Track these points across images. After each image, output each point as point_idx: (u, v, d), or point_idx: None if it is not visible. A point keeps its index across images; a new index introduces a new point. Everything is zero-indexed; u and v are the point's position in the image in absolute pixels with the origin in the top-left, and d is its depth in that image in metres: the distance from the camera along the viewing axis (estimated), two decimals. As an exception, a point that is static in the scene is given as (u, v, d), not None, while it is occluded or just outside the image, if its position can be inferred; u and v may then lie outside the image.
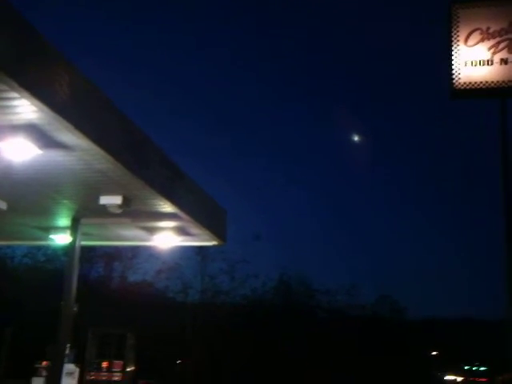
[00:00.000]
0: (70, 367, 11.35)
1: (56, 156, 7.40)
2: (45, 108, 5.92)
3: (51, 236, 11.75)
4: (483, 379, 55.81)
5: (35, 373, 14.53)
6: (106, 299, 23.56)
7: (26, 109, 6.04)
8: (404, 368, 34.57)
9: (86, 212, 10.25)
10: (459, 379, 56.85)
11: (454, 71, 11.92)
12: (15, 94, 5.65)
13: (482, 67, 11.88)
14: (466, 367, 59.26)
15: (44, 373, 14.42)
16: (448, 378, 55.01)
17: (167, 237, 11.58)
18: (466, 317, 56.49)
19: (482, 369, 58.73)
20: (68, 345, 10.80)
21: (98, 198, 9.07)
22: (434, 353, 47.75)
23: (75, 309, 10.77)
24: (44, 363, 14.75)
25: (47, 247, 23.19)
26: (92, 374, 16.80)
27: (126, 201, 9.08)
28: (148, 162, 8.58)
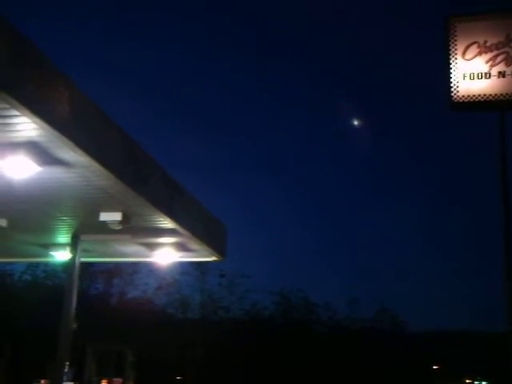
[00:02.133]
0: (69, 385, 11.24)
1: (56, 173, 7.38)
2: (45, 125, 5.91)
3: (51, 253, 11.71)
4: None
5: (34, 391, 14.41)
6: (105, 316, 23.41)
7: (26, 126, 6.02)
8: (405, 382, 34.36)
9: (86, 228, 10.21)
10: (460, 393, 56.54)
11: (452, 84, 11.96)
12: (15, 112, 5.64)
13: (480, 80, 11.92)
14: (467, 381, 58.95)
15: (43, 391, 14.30)
16: (449, 391, 54.70)
17: (167, 253, 11.54)
18: (467, 330, 56.25)
19: (483, 383, 58.43)
20: (67, 363, 10.71)
21: (98, 215, 9.04)
22: (435, 367, 47.46)
23: (74, 326, 10.69)
24: (42, 382, 14.62)
25: (46, 263, 23.08)
26: (91, 391, 16.65)
27: (126, 217, 9.06)
28: (148, 178, 8.56)
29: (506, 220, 11.11)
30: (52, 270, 24.99)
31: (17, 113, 5.65)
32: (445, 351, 50.12)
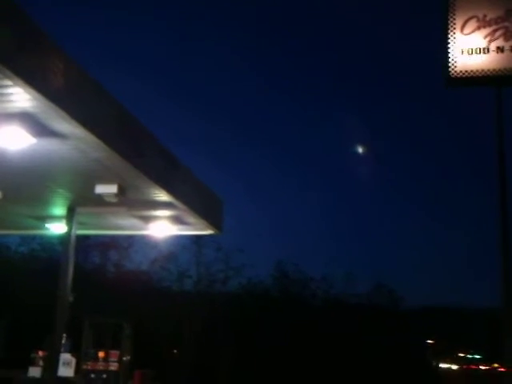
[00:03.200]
0: (66, 357, 11.35)
1: (51, 145, 7.35)
2: (39, 96, 5.87)
3: (47, 225, 11.72)
4: (475, 367, 56.40)
5: (32, 362, 14.53)
6: (102, 288, 23.53)
7: (20, 97, 5.98)
8: (399, 356, 34.70)
9: (82, 201, 10.21)
10: (454, 367, 57.31)
11: (450, 59, 11.88)
12: (9, 82, 5.60)
13: (478, 55, 11.84)
14: (460, 355, 59.76)
15: (40, 362, 14.42)
16: (443, 365, 55.42)
17: (163, 226, 11.56)
18: (461, 305, 56.75)
19: (476, 357, 59.26)
20: (64, 334, 10.80)
21: (93, 187, 9.03)
22: (430, 341, 47.96)
23: (71, 298, 10.75)
24: (40, 353, 14.74)
25: (42, 236, 23.10)
26: (88, 363, 16.77)
27: (122, 190, 9.05)
28: (144, 150, 8.54)
29: (502, 197, 11.14)
30: (48, 243, 25.03)
31: (10, 83, 5.60)
32: (440, 326, 50.65)
